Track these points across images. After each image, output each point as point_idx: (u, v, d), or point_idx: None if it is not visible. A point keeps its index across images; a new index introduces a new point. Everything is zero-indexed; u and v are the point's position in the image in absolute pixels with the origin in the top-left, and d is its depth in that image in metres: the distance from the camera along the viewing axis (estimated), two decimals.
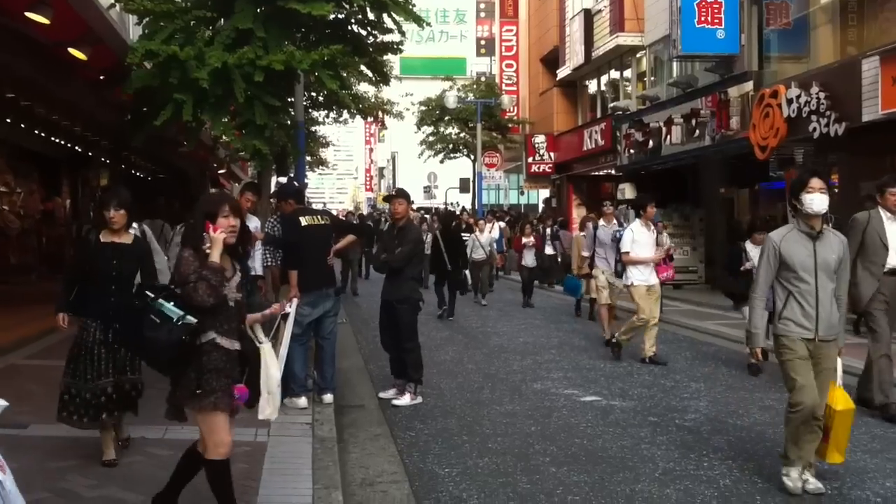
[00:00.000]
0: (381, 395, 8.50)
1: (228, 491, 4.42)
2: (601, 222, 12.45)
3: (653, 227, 10.84)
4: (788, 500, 5.44)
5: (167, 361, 4.28)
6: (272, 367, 4.63)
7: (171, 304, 4.20)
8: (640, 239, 10.50)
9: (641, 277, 10.50)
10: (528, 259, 17.82)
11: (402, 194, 8.62)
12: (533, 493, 5.58)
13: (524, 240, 18.17)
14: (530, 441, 6.88)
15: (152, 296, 4.27)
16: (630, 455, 6.48)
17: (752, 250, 9.72)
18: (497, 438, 6.96)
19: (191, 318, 4.17)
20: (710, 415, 7.80)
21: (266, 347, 4.64)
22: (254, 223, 8.65)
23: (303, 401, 7.23)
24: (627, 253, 10.50)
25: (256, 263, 8.41)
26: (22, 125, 16.25)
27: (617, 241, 11.13)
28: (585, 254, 13.22)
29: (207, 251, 4.28)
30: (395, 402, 8.13)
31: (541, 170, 30.79)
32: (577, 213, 25.49)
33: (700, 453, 6.53)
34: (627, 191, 23.35)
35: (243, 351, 4.50)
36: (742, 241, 10.39)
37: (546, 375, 9.74)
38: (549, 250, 19.80)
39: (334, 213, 15.37)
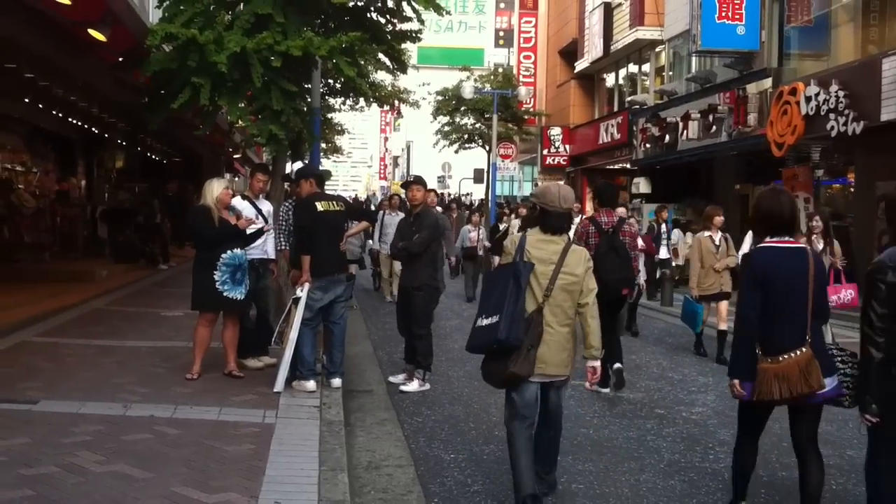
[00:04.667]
0: (391, 378, 8.59)
1: None
2: None
3: None
4: (791, 494, 5.43)
5: None
6: None
7: None
8: None
9: None
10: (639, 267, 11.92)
11: (420, 181, 8.71)
12: None
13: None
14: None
15: None
16: (636, 446, 6.50)
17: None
18: (504, 426, 6.97)
19: None
20: (717, 408, 7.80)
21: None
22: (266, 207, 8.68)
23: (311, 384, 7.27)
24: None
25: (269, 247, 8.46)
26: (40, 105, 16.40)
27: None
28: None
29: None
30: (403, 388, 8.17)
31: (556, 162, 30.77)
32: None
33: (706, 446, 6.54)
34: (642, 185, 23.32)
35: None
36: None
37: None
38: (663, 253, 15.44)
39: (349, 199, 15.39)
